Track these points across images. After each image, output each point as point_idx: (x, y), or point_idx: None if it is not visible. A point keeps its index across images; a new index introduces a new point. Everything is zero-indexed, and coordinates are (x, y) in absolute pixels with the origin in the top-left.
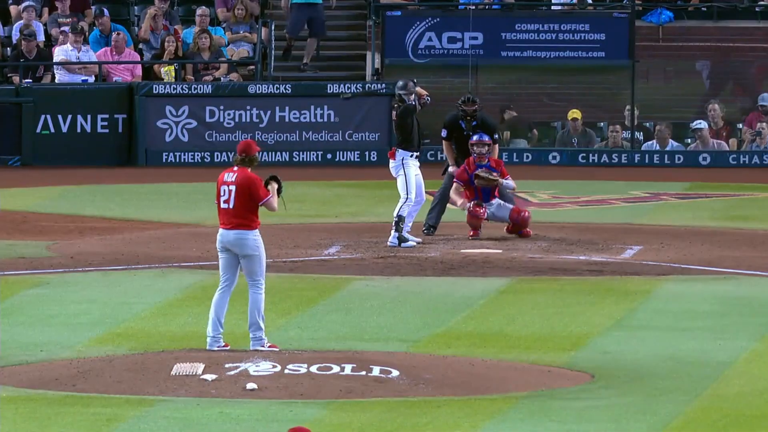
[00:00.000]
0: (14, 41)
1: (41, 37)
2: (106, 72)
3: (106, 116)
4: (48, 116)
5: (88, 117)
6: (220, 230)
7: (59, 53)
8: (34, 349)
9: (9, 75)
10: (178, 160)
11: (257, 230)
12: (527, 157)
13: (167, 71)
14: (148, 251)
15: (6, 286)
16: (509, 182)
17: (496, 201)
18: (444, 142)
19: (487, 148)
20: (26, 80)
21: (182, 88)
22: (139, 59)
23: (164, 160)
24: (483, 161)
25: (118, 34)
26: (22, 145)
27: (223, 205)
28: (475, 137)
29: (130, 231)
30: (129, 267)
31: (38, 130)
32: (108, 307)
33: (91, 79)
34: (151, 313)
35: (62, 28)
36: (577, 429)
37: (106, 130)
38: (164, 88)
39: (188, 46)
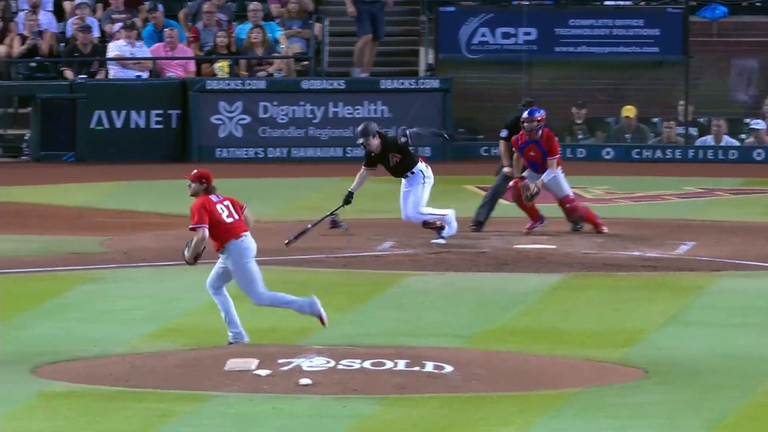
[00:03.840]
0: (68, 37)
1: (96, 33)
2: (160, 68)
3: (160, 112)
4: (102, 112)
5: (142, 113)
6: (249, 236)
7: (113, 49)
8: (87, 344)
9: (63, 70)
10: (231, 156)
11: None
12: (581, 152)
13: (221, 67)
14: None
15: (60, 282)
16: (549, 173)
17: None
18: (502, 141)
19: (536, 123)
20: (80, 76)
21: (236, 84)
22: (192, 55)
23: (217, 156)
24: (534, 137)
25: (172, 30)
26: (76, 141)
27: (230, 219)
28: (525, 114)
29: (183, 227)
30: (182, 263)
31: (92, 126)
32: (161, 303)
33: (145, 75)
34: (204, 308)
35: (116, 24)
36: (631, 425)
37: (160, 126)
38: (218, 84)
39: (242, 42)
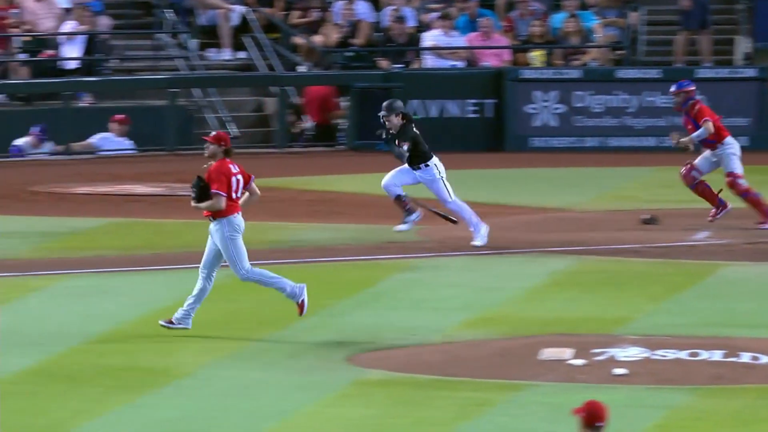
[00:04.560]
0: (384, 27)
1: (411, 23)
2: (475, 57)
3: (475, 101)
4: (417, 101)
5: (457, 102)
6: (240, 216)
7: (428, 38)
8: (404, 333)
9: (377, 60)
10: (545, 145)
11: None
12: None
13: (536, 56)
14: (516, 236)
15: (378, 270)
16: (700, 132)
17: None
18: None
19: (682, 96)
20: (395, 65)
21: (551, 73)
22: (507, 44)
23: (531, 145)
24: (680, 110)
25: (487, 19)
26: None
27: (235, 196)
28: (673, 87)
29: (499, 216)
30: (497, 252)
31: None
32: (476, 292)
33: (460, 65)
34: (519, 297)
35: (432, 14)
36: None
37: (475, 115)
38: (532, 73)
39: (557, 31)
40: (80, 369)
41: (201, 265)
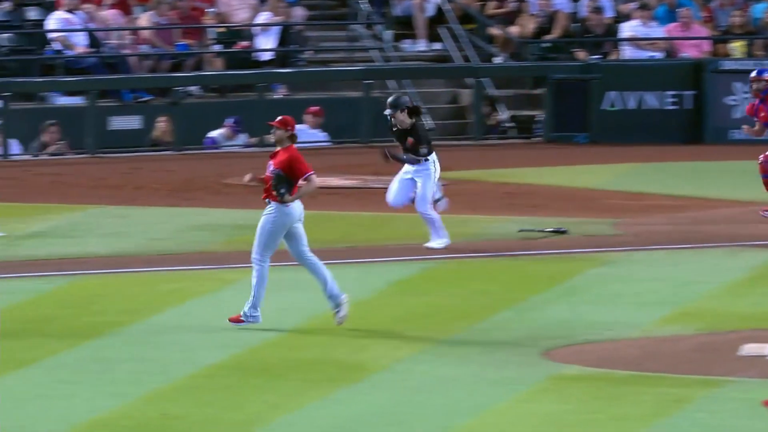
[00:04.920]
0: (581, 17)
1: (609, 13)
2: (674, 48)
3: (674, 93)
4: (614, 93)
5: (656, 94)
6: (297, 204)
7: (626, 29)
8: (600, 328)
9: (573, 51)
10: (746, 138)
11: None
12: None
13: (736, 47)
14: (716, 229)
15: (572, 265)
16: None
17: None
18: None
19: (764, 83)
20: (593, 56)
21: (751, 64)
22: (707, 35)
23: (731, 138)
24: (760, 97)
25: (687, 9)
26: (588, 122)
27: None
28: (753, 73)
29: (697, 209)
30: (696, 245)
31: (604, 107)
32: (675, 286)
33: (659, 56)
34: (719, 292)
35: (630, 4)
36: None
37: (674, 107)
38: (733, 64)
39: (758, 21)
40: (274, 363)
41: (294, 256)
